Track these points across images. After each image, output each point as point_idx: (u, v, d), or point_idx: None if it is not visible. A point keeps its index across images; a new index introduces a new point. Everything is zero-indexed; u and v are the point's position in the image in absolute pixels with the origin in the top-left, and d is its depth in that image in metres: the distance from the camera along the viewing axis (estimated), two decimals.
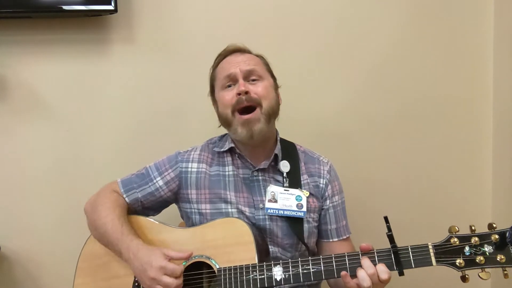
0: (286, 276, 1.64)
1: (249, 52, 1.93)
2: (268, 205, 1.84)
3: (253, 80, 1.85)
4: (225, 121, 1.86)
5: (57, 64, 2.28)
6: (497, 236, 1.51)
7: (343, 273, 1.59)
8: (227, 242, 1.73)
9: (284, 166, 1.90)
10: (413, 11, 2.49)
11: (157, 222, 1.85)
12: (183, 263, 1.73)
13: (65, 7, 2.15)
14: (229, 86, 1.86)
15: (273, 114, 1.85)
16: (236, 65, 1.85)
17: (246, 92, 1.80)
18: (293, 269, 1.64)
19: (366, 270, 1.56)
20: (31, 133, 2.30)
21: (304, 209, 1.84)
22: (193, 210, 1.89)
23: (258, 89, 1.83)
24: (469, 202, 2.58)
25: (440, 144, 2.55)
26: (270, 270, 1.65)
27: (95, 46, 2.31)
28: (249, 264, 1.67)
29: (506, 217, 2.44)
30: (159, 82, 2.36)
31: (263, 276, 1.65)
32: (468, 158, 2.58)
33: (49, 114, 2.30)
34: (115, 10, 2.19)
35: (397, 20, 2.48)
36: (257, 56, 1.94)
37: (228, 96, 1.84)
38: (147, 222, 1.86)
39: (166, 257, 1.65)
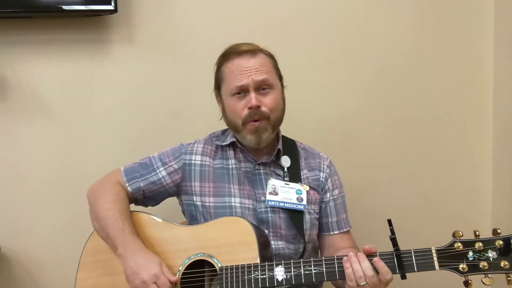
0: (288, 276, 1.64)
1: (260, 50, 1.89)
2: (269, 197, 1.86)
3: (264, 89, 1.84)
4: (233, 127, 1.88)
5: (57, 64, 2.28)
6: (501, 242, 1.50)
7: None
8: (230, 241, 1.74)
9: (285, 161, 1.93)
10: (414, 13, 2.50)
11: (160, 220, 1.86)
12: (185, 261, 1.74)
13: (65, 7, 2.14)
14: (239, 93, 1.84)
15: (278, 123, 1.89)
16: (248, 73, 1.82)
17: (258, 107, 1.81)
18: (294, 270, 1.64)
19: (355, 272, 1.57)
20: (31, 133, 2.29)
21: (304, 202, 1.87)
22: (196, 203, 1.89)
23: (267, 101, 1.83)
24: (470, 203, 2.58)
25: (441, 144, 2.56)
26: (271, 270, 1.65)
27: (95, 46, 2.30)
28: (251, 264, 1.67)
29: (506, 218, 2.44)
30: (159, 82, 2.36)
31: (264, 276, 1.65)
32: (469, 158, 2.58)
33: (49, 114, 2.30)
34: (115, 10, 2.18)
35: (399, 22, 2.49)
36: (267, 55, 1.91)
37: (239, 106, 1.83)
38: (150, 219, 1.87)
39: (161, 268, 1.67)
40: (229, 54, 1.88)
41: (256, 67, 1.83)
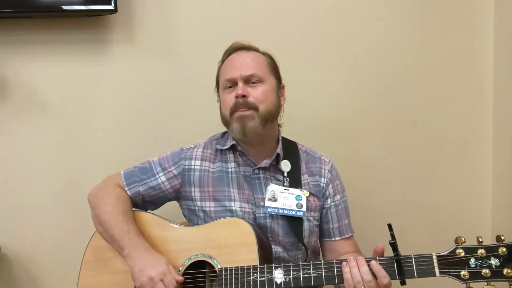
0: (287, 279, 1.64)
1: (255, 49, 1.91)
2: (268, 203, 1.84)
3: (254, 82, 1.85)
4: (225, 121, 1.89)
5: (57, 64, 2.28)
6: (504, 249, 1.48)
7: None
8: (230, 242, 1.74)
9: (285, 165, 1.90)
10: (413, 11, 2.49)
11: (161, 220, 1.86)
12: (185, 262, 1.75)
13: (65, 7, 2.14)
14: (230, 87, 1.86)
15: (270, 118, 1.85)
16: (238, 68, 1.84)
17: (244, 96, 1.81)
18: (293, 273, 1.64)
19: (353, 277, 1.57)
20: (31, 133, 2.30)
21: (304, 208, 1.84)
22: (196, 208, 1.89)
23: (256, 93, 1.83)
24: (470, 205, 2.56)
25: (441, 145, 2.56)
26: (271, 272, 1.65)
27: (95, 46, 2.31)
28: (250, 266, 1.67)
29: (506, 220, 2.41)
30: (159, 82, 2.36)
31: (263, 278, 1.65)
32: (469, 159, 2.58)
33: (49, 114, 2.30)
34: (115, 10, 2.18)
35: (398, 20, 2.48)
36: (263, 54, 1.92)
37: (228, 98, 1.85)
38: (152, 219, 1.87)
39: (168, 267, 1.68)
40: (225, 54, 1.93)
41: (247, 61, 1.85)
